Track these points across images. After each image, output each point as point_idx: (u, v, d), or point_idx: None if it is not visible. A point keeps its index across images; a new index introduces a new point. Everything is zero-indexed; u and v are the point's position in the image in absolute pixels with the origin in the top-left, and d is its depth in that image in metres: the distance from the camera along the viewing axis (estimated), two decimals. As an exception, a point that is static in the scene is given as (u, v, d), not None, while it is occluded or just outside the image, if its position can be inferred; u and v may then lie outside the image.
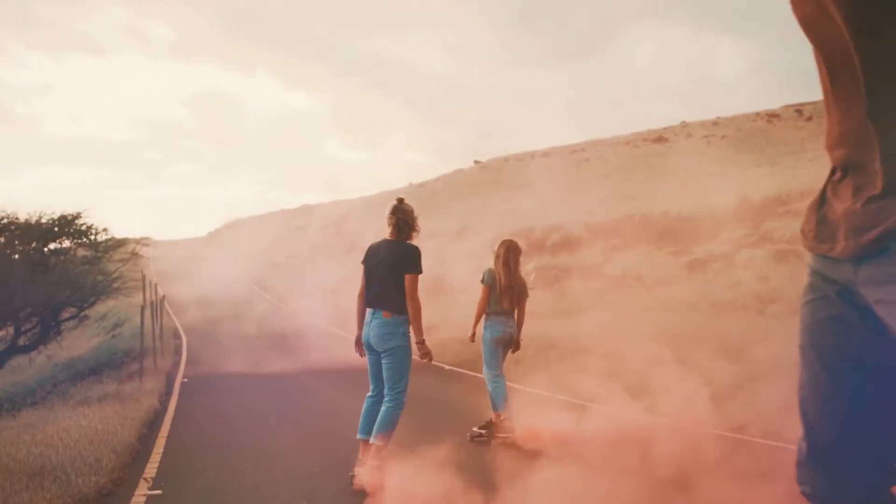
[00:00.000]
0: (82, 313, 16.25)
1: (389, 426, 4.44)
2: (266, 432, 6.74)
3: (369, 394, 4.61)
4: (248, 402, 8.71)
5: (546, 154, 44.73)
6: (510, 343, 5.84)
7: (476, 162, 47.35)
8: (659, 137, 44.78)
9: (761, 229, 18.50)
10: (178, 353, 14.71)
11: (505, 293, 5.70)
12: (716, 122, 48.13)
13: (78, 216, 15.05)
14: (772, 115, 46.34)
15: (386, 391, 4.49)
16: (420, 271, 4.49)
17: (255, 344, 15.43)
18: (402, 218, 4.56)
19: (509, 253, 5.77)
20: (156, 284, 17.72)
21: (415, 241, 4.62)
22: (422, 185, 46.26)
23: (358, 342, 4.62)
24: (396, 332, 4.43)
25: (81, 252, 15.34)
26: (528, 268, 17.39)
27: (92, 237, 15.36)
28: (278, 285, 29.97)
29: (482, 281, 5.76)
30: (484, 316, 5.81)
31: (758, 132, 41.59)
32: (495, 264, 5.80)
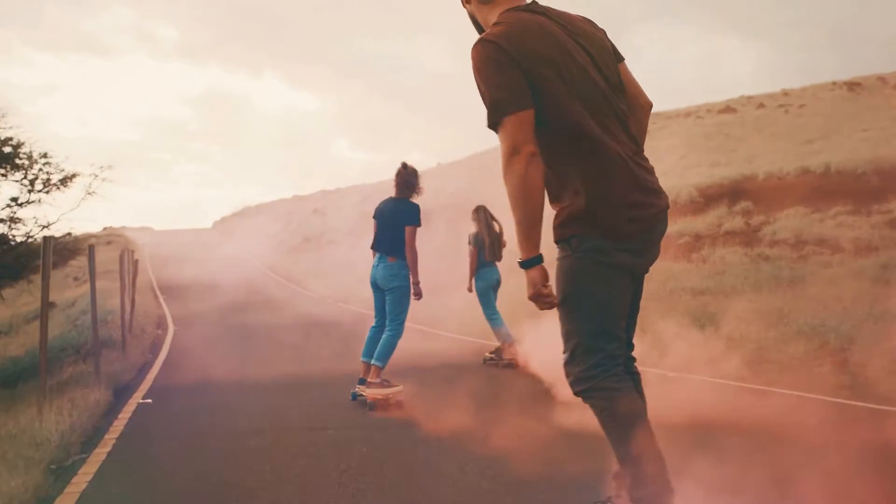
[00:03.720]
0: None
1: (389, 351, 5.21)
2: None
3: (373, 325, 5.37)
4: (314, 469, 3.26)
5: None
6: (498, 286, 7.03)
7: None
8: (726, 108, 40.62)
9: (972, 184, 14.15)
10: (154, 349, 9.13)
11: (489, 249, 6.86)
12: (785, 94, 44.16)
13: (-7, 122, 9.00)
14: (853, 84, 42.03)
15: (388, 322, 5.22)
16: (418, 224, 5.17)
17: (279, 336, 10.04)
18: (404, 179, 5.28)
19: (488, 216, 6.94)
20: (132, 252, 12.27)
21: (416, 200, 5.28)
22: (454, 163, 41.67)
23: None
24: (399, 274, 5.19)
25: (6, 188, 9.35)
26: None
27: (22, 163, 9.25)
28: (296, 269, 24.98)
29: (469, 243, 6.92)
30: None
31: (842, 100, 37.98)
32: (478, 227, 6.92)
